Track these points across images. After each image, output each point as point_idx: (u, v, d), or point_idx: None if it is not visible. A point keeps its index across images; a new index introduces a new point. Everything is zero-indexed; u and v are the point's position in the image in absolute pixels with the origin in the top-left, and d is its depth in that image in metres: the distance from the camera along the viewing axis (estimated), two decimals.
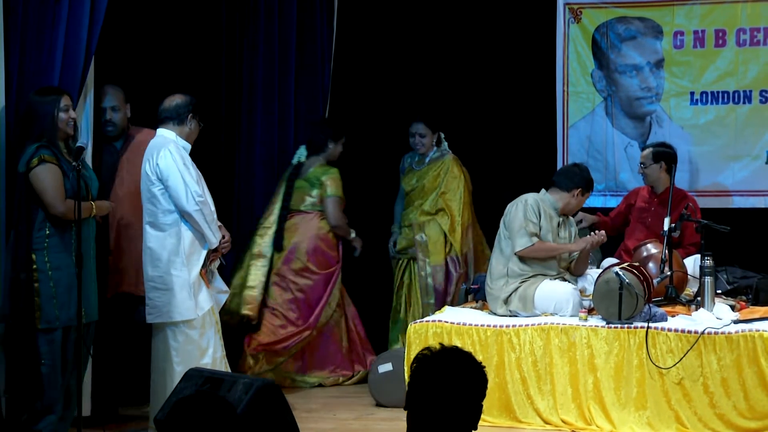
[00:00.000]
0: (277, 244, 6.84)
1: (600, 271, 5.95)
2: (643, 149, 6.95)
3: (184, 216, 5.44)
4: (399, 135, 7.38)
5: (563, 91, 7.63)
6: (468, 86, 7.87)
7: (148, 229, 5.48)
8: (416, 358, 2.90)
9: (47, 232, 5.06)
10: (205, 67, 6.77)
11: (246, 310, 6.74)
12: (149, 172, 5.46)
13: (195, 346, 5.47)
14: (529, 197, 6.06)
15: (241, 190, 7.04)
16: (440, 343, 2.95)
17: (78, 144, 5.12)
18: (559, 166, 7.55)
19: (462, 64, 7.88)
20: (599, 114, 7.60)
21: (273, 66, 7.14)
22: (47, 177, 5.00)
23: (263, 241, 6.86)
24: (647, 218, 6.78)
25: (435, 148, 7.17)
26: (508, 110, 7.78)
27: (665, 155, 6.72)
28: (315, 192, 6.86)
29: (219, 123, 6.83)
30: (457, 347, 2.92)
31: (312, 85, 7.38)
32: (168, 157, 5.41)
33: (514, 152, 7.73)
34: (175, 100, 5.61)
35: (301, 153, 6.97)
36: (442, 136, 7.22)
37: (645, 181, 6.83)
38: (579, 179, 6.13)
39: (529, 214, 5.97)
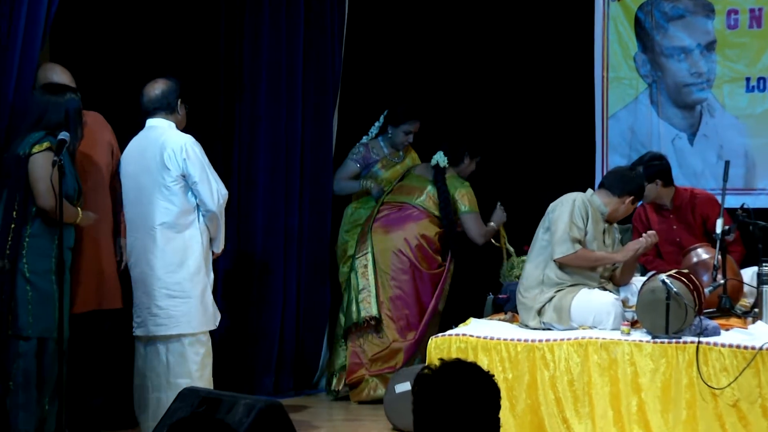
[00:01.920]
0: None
1: (644, 279, 5.88)
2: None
3: (207, 216, 5.53)
4: (425, 124, 7.41)
5: (603, 77, 7.61)
6: (498, 73, 7.85)
7: (161, 230, 5.51)
8: (416, 379, 2.89)
9: (29, 231, 5.12)
10: (202, 55, 6.73)
11: (365, 314, 6.94)
12: (170, 166, 5.50)
13: (210, 358, 5.50)
14: (578, 197, 5.96)
15: (241, 191, 6.98)
16: (440, 359, 2.94)
17: (60, 136, 5.09)
18: (598, 160, 7.59)
19: (491, 48, 7.85)
20: (643, 102, 7.57)
21: (279, 54, 7.08)
22: (47, 166, 5.03)
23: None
24: (675, 238, 6.70)
25: None
26: (542, 99, 7.75)
27: (659, 172, 6.61)
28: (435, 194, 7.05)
29: (217, 117, 6.82)
30: (459, 359, 2.92)
31: (321, 75, 7.32)
32: (195, 151, 5.51)
33: (549, 146, 7.72)
34: (159, 87, 5.62)
35: (440, 158, 7.10)
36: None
37: (644, 201, 6.73)
38: (633, 185, 6.05)
39: (575, 217, 5.89)
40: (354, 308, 6.97)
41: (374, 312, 6.92)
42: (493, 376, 2.89)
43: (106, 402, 5.75)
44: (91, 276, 5.54)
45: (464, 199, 7.04)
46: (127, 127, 5.80)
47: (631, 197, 6.05)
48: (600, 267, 6.00)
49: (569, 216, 5.89)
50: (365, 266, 7.01)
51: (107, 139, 5.74)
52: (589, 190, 6.09)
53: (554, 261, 5.90)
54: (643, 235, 6.12)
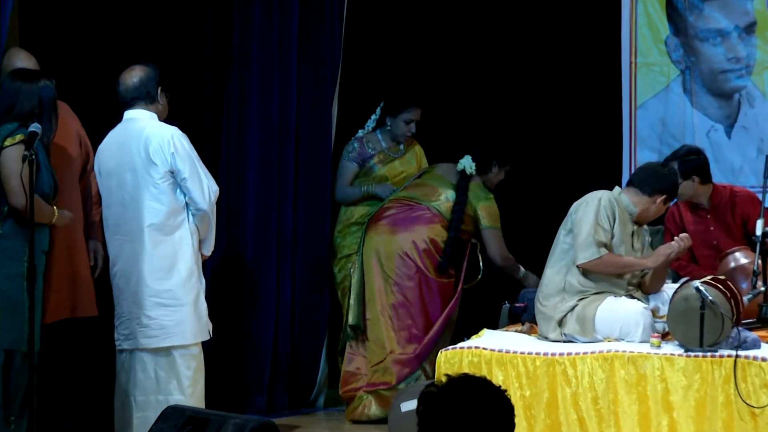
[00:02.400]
0: (441, 267, 6.87)
1: (677, 286, 5.82)
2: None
3: (198, 216, 5.51)
4: (431, 116, 7.35)
5: (631, 62, 7.57)
6: (516, 60, 7.80)
7: (149, 232, 5.47)
8: (420, 397, 2.87)
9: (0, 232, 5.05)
10: (187, 41, 6.66)
11: (353, 321, 6.88)
12: (156, 162, 5.44)
13: (202, 373, 5.46)
14: (603, 196, 5.87)
15: (231, 188, 6.92)
16: (446, 374, 2.92)
17: (31, 128, 5.04)
18: (626, 155, 7.54)
19: (509, 33, 7.81)
20: (675, 91, 7.52)
21: (271, 43, 6.99)
22: (19, 161, 4.96)
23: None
24: (712, 241, 6.63)
25: None
26: (564, 87, 7.71)
27: (696, 167, 6.52)
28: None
29: (204, 110, 6.73)
30: (467, 374, 2.90)
31: (319, 55, 7.21)
32: (183, 144, 5.47)
33: (572, 139, 7.68)
34: (137, 75, 5.56)
35: (467, 163, 6.99)
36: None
37: (679, 200, 6.65)
38: (666, 183, 5.97)
39: (601, 218, 5.81)
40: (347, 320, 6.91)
41: (352, 321, 6.84)
42: (506, 391, 2.89)
43: (76, 423, 5.68)
44: (65, 281, 5.47)
45: (486, 213, 6.94)
46: (99, 119, 5.75)
47: (663, 196, 5.97)
48: (628, 273, 5.93)
49: (594, 217, 5.81)
50: (354, 269, 6.94)
51: (76, 129, 5.71)
52: (617, 188, 6.01)
53: (577, 266, 5.84)
54: (676, 238, 6.04)
